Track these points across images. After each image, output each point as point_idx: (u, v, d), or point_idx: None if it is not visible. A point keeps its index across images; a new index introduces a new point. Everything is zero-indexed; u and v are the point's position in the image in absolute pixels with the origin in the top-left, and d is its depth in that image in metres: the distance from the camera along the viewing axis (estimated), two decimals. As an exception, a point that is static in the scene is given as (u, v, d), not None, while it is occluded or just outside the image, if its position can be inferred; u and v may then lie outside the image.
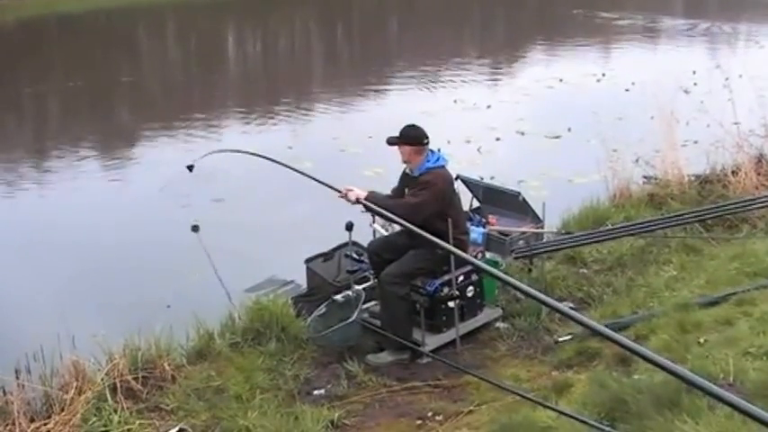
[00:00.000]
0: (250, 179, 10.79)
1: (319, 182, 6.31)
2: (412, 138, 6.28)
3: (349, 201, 6.01)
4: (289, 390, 5.83)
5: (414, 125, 6.39)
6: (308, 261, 7.14)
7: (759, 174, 8.80)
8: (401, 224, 4.87)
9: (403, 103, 15.42)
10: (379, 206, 5.44)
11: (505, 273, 6.91)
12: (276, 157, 6.41)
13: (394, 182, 6.63)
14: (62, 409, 5.46)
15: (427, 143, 6.29)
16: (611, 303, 6.59)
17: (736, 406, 1.89)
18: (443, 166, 6.32)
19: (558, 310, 4.22)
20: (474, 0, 32.64)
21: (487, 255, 7.04)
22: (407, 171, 6.41)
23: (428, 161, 6.27)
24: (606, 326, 5.85)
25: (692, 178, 9.05)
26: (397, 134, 6.33)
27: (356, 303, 6.26)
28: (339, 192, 6.06)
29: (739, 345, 4.86)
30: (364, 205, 5.84)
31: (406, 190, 6.36)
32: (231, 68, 22.69)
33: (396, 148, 6.34)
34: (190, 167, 6.93)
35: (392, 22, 30.46)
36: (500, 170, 10.12)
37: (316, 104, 16.28)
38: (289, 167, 7.21)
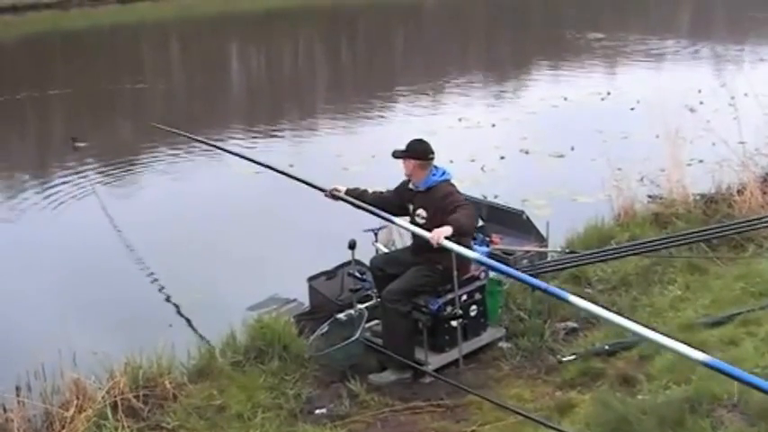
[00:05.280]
0: (252, 198, 10.81)
1: (304, 182, 6.54)
2: (418, 152, 6.32)
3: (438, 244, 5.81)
4: (290, 409, 5.80)
5: (420, 139, 6.43)
6: (310, 279, 7.12)
7: (765, 193, 8.76)
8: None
9: (407, 121, 15.44)
10: (471, 229, 6.18)
11: (507, 292, 6.91)
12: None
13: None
14: (62, 427, 5.45)
15: (432, 158, 6.33)
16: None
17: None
18: (448, 180, 6.31)
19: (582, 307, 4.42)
20: (478, 19, 32.79)
21: (491, 273, 7.00)
22: (411, 186, 6.40)
23: (433, 175, 6.29)
24: (609, 346, 5.87)
25: (698, 197, 9.01)
26: (403, 148, 6.36)
27: (358, 322, 6.23)
28: (324, 191, 6.60)
29: (744, 365, 4.82)
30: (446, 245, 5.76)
31: (411, 206, 6.34)
32: (234, 85, 22.77)
33: (400, 161, 6.37)
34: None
35: (397, 40, 30.56)
36: (504, 189, 10.11)
37: (319, 122, 16.32)
38: (265, 166, 7.42)
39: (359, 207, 6.38)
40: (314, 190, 6.85)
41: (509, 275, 5.73)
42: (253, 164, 8.55)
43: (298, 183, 7.09)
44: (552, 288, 5.03)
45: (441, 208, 6.09)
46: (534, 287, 5.78)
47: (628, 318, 4.79)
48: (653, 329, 4.58)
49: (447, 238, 5.67)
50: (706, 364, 4.01)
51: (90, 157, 13.46)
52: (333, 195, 6.53)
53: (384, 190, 6.59)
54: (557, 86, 18.39)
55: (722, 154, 9.44)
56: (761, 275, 6.64)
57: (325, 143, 14.34)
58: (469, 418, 5.57)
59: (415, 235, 6.19)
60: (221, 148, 10.55)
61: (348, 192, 6.51)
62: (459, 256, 5.85)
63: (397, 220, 6.23)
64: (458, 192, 6.28)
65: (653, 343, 4.60)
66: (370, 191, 6.59)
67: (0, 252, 9.52)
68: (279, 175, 7.53)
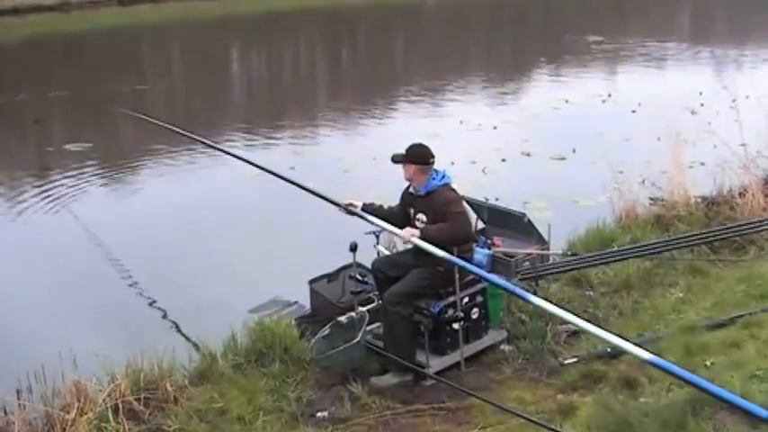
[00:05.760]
0: (254, 200, 10.80)
1: (319, 195, 6.51)
2: (418, 156, 6.28)
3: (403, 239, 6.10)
4: (292, 412, 5.79)
5: (420, 144, 6.39)
6: (311, 282, 7.11)
7: (766, 195, 8.76)
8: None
9: (408, 124, 15.43)
10: (436, 239, 5.84)
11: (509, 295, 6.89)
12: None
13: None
14: (63, 430, 5.45)
15: (432, 162, 6.30)
16: (616, 326, 6.53)
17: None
18: (448, 185, 6.30)
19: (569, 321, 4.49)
20: (480, 22, 32.77)
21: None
22: (411, 190, 6.39)
23: (434, 179, 6.26)
24: (611, 348, 5.86)
25: (699, 200, 9.01)
26: (402, 152, 6.33)
27: (360, 325, 6.21)
28: (339, 205, 6.47)
29: (746, 367, 4.82)
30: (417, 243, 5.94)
31: (411, 210, 6.33)
32: (235, 87, 22.77)
33: (399, 165, 6.34)
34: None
35: (398, 42, 30.56)
36: (505, 191, 10.11)
37: (320, 124, 16.31)
38: (269, 171, 7.37)
39: (373, 223, 6.35)
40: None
41: (468, 271, 5.89)
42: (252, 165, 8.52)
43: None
44: (515, 288, 5.38)
45: (440, 214, 6.09)
46: (495, 285, 5.94)
47: (579, 316, 5.20)
48: (602, 328, 4.98)
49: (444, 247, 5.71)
50: (651, 363, 4.33)
51: (90, 160, 13.44)
52: (348, 211, 6.48)
53: (396, 205, 6.58)
54: (558, 89, 18.39)
55: (724, 156, 9.44)
56: (762, 278, 6.64)
57: (326, 145, 14.33)
58: (471, 421, 5.56)
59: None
60: (198, 139, 10.38)
61: (364, 207, 6.47)
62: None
63: (376, 220, 6.30)
64: (458, 197, 6.27)
65: (600, 340, 5.21)
66: (386, 206, 6.57)
67: (0, 254, 9.52)
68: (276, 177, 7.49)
